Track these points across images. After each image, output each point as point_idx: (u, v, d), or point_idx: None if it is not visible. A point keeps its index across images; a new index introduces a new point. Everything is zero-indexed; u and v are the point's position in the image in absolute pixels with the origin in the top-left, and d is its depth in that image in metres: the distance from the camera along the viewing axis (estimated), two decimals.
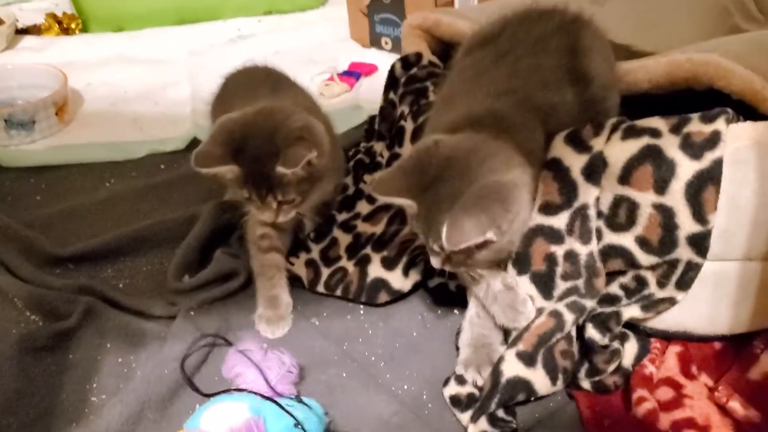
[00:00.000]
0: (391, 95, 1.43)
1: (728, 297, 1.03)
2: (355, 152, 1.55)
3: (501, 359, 1.01)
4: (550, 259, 1.04)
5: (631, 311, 1.04)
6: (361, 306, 1.25)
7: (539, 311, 1.04)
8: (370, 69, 2.13)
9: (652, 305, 1.04)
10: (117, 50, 2.34)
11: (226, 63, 2.04)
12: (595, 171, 1.01)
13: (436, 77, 1.37)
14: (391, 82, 1.45)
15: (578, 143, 1.03)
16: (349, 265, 1.27)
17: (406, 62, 1.44)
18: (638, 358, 1.06)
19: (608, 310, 1.04)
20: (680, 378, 1.04)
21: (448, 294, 1.24)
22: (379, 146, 1.44)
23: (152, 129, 1.87)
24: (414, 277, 1.22)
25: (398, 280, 1.22)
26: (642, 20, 1.52)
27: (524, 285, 1.06)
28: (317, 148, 1.13)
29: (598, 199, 1.02)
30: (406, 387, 1.09)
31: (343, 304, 1.25)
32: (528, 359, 1.00)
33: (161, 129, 1.86)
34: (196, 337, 1.14)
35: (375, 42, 2.26)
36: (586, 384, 1.04)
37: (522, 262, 1.06)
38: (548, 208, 1.04)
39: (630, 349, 1.07)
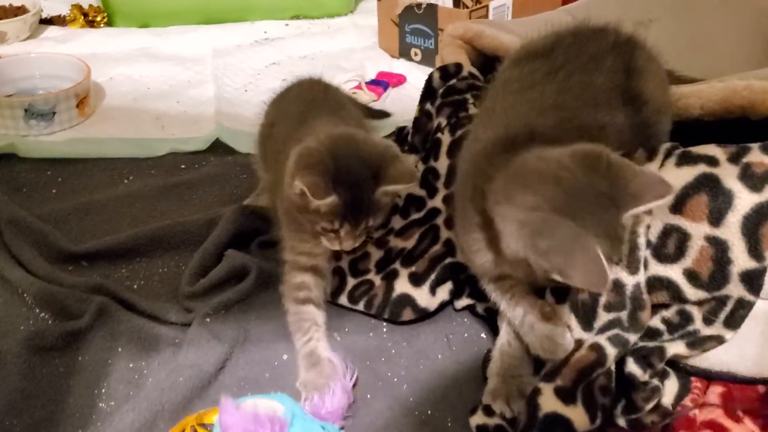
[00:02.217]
0: (428, 106, 1.39)
1: None
2: None
3: (537, 392, 0.95)
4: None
5: (675, 347, 0.98)
6: (384, 324, 1.20)
7: (578, 343, 0.99)
8: (399, 79, 2.08)
9: (698, 343, 0.98)
10: (141, 46, 2.29)
11: (252, 65, 2.01)
12: None
13: (476, 90, 1.33)
14: (428, 92, 1.40)
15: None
16: (377, 279, 1.22)
17: (445, 72, 1.39)
18: (678, 397, 1.00)
19: (651, 344, 0.99)
20: (725, 421, 0.98)
21: (475, 317, 1.19)
22: (411, 159, 1.38)
23: (174, 128, 1.83)
24: (441, 295, 1.18)
25: (425, 297, 1.17)
26: (689, 44, 1.47)
27: (564, 314, 1.00)
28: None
29: (648, 228, 0.96)
30: (430, 412, 1.05)
31: (366, 321, 1.20)
32: (567, 395, 0.93)
33: (183, 128, 1.82)
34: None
35: (404, 52, 2.22)
36: (621, 421, 0.97)
37: (563, 289, 1.00)
38: None
39: (670, 387, 1.01)
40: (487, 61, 1.43)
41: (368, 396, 1.07)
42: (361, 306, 1.20)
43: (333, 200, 1.05)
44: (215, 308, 1.19)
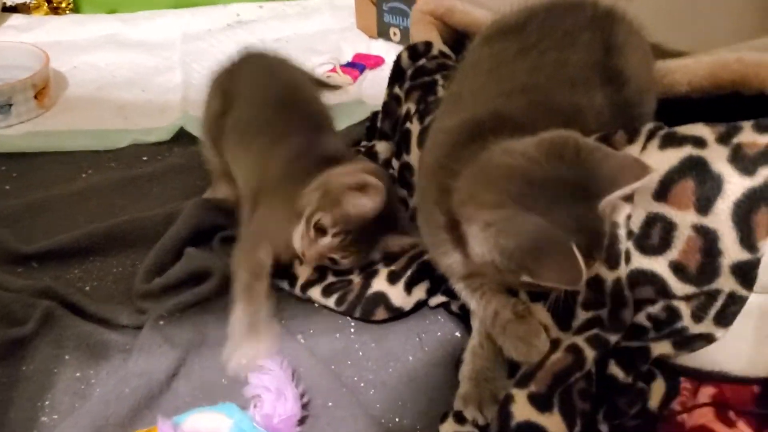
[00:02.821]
0: (396, 89, 1.31)
1: None
2: (356, 152, 1.42)
3: (510, 399, 0.86)
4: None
5: (661, 347, 0.91)
6: (353, 324, 1.12)
7: (554, 344, 0.90)
8: (376, 61, 2.00)
9: (686, 342, 0.90)
10: (108, 32, 2.21)
11: (223, 50, 1.93)
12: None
13: (446, 70, 1.25)
14: (397, 74, 1.32)
15: None
16: (357, 278, 1.15)
17: (414, 52, 1.31)
18: (666, 400, 0.93)
19: (634, 344, 0.91)
20: (716, 425, 0.91)
21: (450, 314, 1.12)
22: (381, 146, 1.31)
23: (137, 117, 1.75)
24: (418, 294, 1.11)
25: (399, 296, 1.10)
26: (676, 16, 1.38)
27: (538, 313, 0.92)
28: None
29: (629, 218, 0.88)
30: (397, 420, 0.97)
31: (333, 321, 1.13)
32: (542, 402, 0.85)
33: (147, 118, 1.74)
34: None
35: (383, 32, 2.13)
36: (604, 427, 0.90)
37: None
38: None
39: (657, 389, 0.93)
40: (460, 38, 1.35)
41: (330, 404, 0.98)
42: (332, 301, 1.13)
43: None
44: (170, 310, 1.11)
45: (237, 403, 0.93)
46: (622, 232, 0.88)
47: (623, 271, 0.89)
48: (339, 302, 1.12)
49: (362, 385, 1.02)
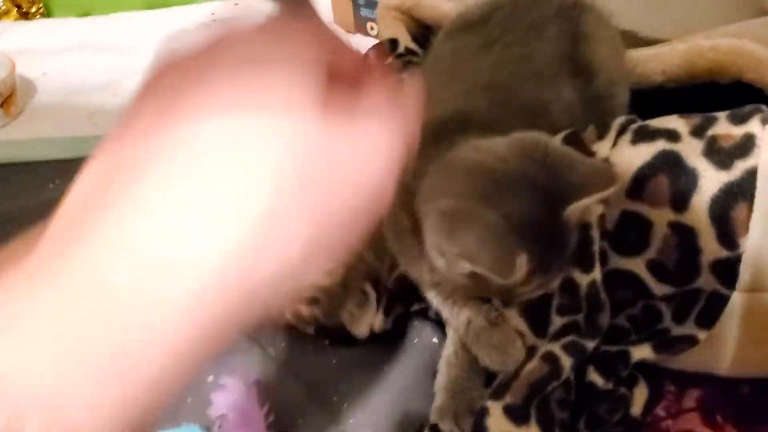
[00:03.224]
0: None
1: (761, 333, 0.85)
2: None
3: (485, 412, 0.82)
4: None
5: (641, 351, 0.86)
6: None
7: (530, 351, 0.86)
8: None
9: (668, 345, 0.86)
10: (80, 37, 2.14)
11: None
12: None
13: (414, 67, 1.20)
14: None
15: (578, 148, 0.84)
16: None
17: (381, 51, 1.26)
18: (649, 405, 0.88)
19: (614, 348, 0.87)
20: (703, 430, 0.87)
21: (426, 320, 1.06)
22: None
23: (107, 123, 1.66)
24: (397, 311, 1.04)
25: (379, 323, 1.03)
26: (650, 1, 1.34)
27: (513, 319, 0.88)
28: None
29: (602, 217, 0.84)
30: None
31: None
32: (519, 414, 0.81)
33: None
34: None
35: (360, 27, 2.07)
36: None
37: None
38: None
39: (639, 394, 0.88)
40: (429, 32, 1.29)
41: (300, 421, 0.94)
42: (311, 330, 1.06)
43: None
44: None
45: (201, 423, 0.89)
46: (594, 234, 0.84)
47: (598, 273, 0.84)
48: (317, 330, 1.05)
49: (335, 399, 0.97)
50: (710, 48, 0.95)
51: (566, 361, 0.83)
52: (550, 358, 0.83)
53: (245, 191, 0.40)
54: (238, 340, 1.03)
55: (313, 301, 0.99)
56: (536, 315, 0.87)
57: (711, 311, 0.83)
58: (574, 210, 0.73)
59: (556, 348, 0.84)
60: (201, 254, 0.39)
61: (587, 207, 0.77)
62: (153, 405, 0.40)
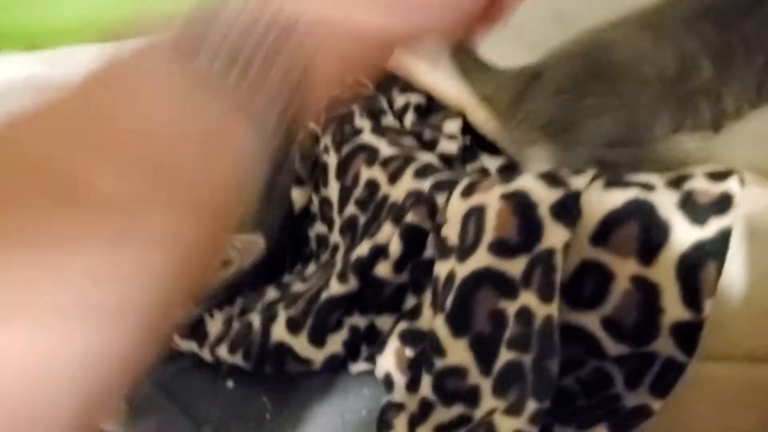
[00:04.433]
0: (311, 125, 1.19)
1: (719, 406, 0.81)
2: None
3: None
4: (498, 318, 0.80)
5: None
6: (269, 406, 0.97)
7: (472, 395, 0.81)
8: None
9: (624, 423, 0.79)
10: (26, 74, 2.04)
11: None
12: (569, 210, 0.78)
13: (364, 100, 1.17)
14: None
15: (552, 179, 0.82)
16: (256, 320, 1.02)
17: None
18: None
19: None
20: None
21: (376, 384, 0.97)
22: (296, 193, 1.19)
23: None
24: (331, 347, 0.97)
25: (305, 348, 0.97)
26: None
27: (458, 351, 0.83)
28: None
29: (567, 247, 0.79)
30: None
31: (246, 403, 0.98)
32: None
33: None
34: None
35: None
36: None
37: (459, 320, 0.83)
38: (502, 248, 0.81)
39: None
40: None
41: None
42: (239, 357, 0.99)
43: None
44: None
45: None
46: (558, 262, 0.78)
47: (555, 311, 0.78)
48: (246, 357, 0.99)
49: None
50: None
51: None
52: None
53: None
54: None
55: None
56: (486, 347, 0.81)
57: (666, 378, 0.77)
58: None
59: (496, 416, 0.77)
60: None
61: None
62: None
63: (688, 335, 0.75)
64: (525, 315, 0.78)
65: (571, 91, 1.00)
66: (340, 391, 0.98)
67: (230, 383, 1.01)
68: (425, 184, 0.93)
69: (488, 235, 0.81)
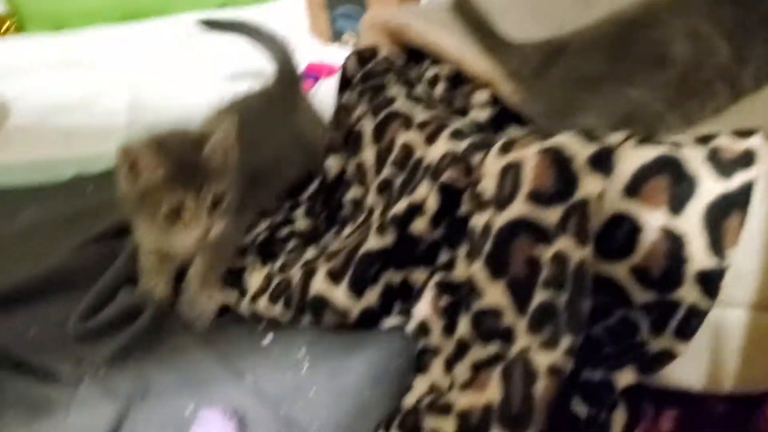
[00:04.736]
0: (345, 98, 1.24)
1: (734, 350, 0.86)
2: None
3: None
4: (533, 263, 0.84)
5: (625, 377, 0.86)
6: (307, 360, 1.02)
7: (507, 335, 0.86)
8: (330, 70, 1.91)
9: (649, 364, 0.85)
10: (53, 53, 2.11)
11: (175, 64, 1.86)
12: (604, 161, 0.82)
13: (394, 72, 1.21)
14: (345, 82, 1.26)
15: (588, 136, 0.85)
16: (296, 274, 1.06)
17: (361, 57, 1.25)
18: (628, 429, 0.87)
19: (597, 377, 0.86)
20: None
21: (405, 341, 1.03)
22: (331, 161, 1.23)
23: (82, 145, 1.65)
24: (368, 299, 1.01)
25: (343, 298, 1.01)
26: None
27: (495, 293, 0.87)
28: None
29: (601, 197, 0.82)
30: None
31: (284, 358, 1.03)
32: None
33: (92, 145, 1.63)
34: None
35: (336, 38, 2.10)
36: None
37: (496, 264, 0.87)
38: (538, 198, 0.84)
39: (618, 419, 0.87)
40: (413, 56, 1.31)
41: None
42: (278, 309, 1.04)
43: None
44: (107, 359, 1.03)
45: None
46: (593, 210, 0.82)
47: (588, 254, 0.82)
48: (285, 308, 1.04)
49: (315, 426, 0.94)
50: None
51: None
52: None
53: None
54: (216, 370, 1.01)
55: None
56: (521, 290, 0.85)
57: (690, 324, 0.82)
58: None
59: (533, 348, 0.82)
60: None
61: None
62: None
63: (711, 282, 0.80)
64: (560, 258, 0.82)
65: (592, 68, 1.04)
66: (372, 346, 1.03)
67: (268, 339, 1.06)
68: (461, 146, 0.96)
69: (525, 187, 0.85)
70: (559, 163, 0.84)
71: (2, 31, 2.24)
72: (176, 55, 2.05)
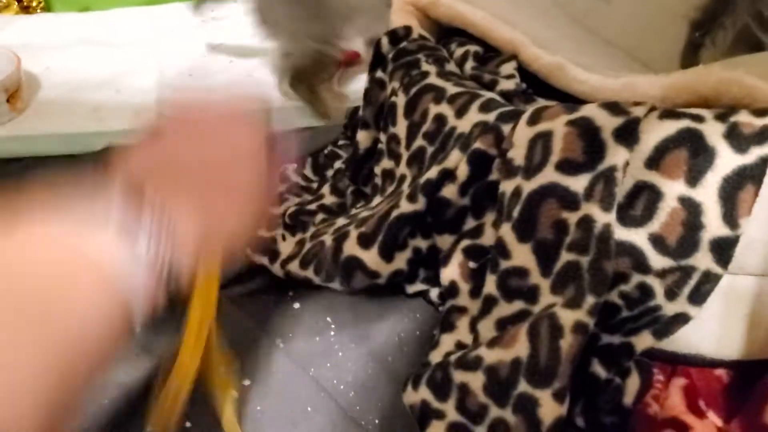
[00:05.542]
0: (379, 74, 1.28)
1: (741, 316, 0.90)
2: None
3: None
4: (560, 226, 0.89)
5: (643, 341, 0.89)
6: (333, 325, 1.09)
7: (532, 293, 0.91)
8: (351, 57, 1.87)
9: (665, 328, 0.89)
10: (81, 32, 2.13)
11: (197, 47, 1.89)
12: (630, 133, 0.87)
13: (428, 50, 1.24)
14: (378, 59, 1.29)
15: (614, 108, 0.90)
16: (328, 239, 1.11)
17: (395, 36, 1.28)
18: (640, 395, 0.91)
19: (616, 341, 0.90)
20: (687, 417, 0.89)
21: (430, 305, 1.11)
22: (361, 135, 1.28)
23: (112, 119, 1.70)
24: (398, 263, 1.07)
25: (374, 261, 1.06)
26: (649, 24, 1.36)
27: (522, 255, 0.92)
28: None
29: (626, 165, 0.87)
30: (377, 421, 0.96)
31: (313, 323, 1.09)
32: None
33: (122, 119, 1.68)
34: None
35: None
36: (579, 421, 0.90)
37: (525, 227, 0.92)
38: (567, 167, 0.89)
39: (631, 384, 0.91)
40: (442, 32, 1.35)
41: (309, 409, 0.97)
42: (311, 272, 1.10)
43: None
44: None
45: None
46: (619, 176, 0.87)
47: (613, 219, 0.87)
48: (317, 271, 1.09)
49: (342, 387, 1.00)
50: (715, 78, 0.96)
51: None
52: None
53: None
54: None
55: None
56: (548, 252, 0.90)
57: (703, 289, 0.87)
58: None
59: (558, 307, 0.87)
60: None
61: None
62: None
63: (724, 250, 0.85)
64: (586, 222, 0.87)
65: None
66: (396, 313, 1.10)
67: (297, 304, 1.12)
68: (491, 116, 1.01)
69: (555, 156, 0.90)
70: (587, 133, 0.89)
71: (32, 7, 2.26)
72: (197, 37, 2.06)
